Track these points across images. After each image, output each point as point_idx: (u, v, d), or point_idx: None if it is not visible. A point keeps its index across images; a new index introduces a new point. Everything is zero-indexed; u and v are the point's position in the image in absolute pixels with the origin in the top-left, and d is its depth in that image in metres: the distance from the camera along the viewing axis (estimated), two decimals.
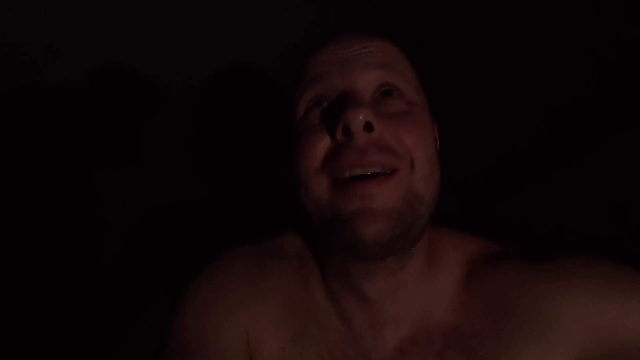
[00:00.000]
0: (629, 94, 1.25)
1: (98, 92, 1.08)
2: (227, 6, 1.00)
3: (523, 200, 1.41)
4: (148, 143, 1.21)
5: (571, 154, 1.30)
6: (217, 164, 1.30)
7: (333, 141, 0.41)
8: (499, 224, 1.46)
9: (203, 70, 1.09)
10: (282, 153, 0.53)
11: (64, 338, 1.16)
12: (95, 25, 0.98)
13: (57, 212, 1.22)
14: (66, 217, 1.23)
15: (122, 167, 1.23)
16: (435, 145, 0.46)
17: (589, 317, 0.39)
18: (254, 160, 1.28)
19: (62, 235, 1.23)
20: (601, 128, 1.24)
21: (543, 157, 1.36)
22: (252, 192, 1.29)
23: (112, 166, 1.23)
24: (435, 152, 0.45)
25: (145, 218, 1.28)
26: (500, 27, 1.10)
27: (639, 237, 1.06)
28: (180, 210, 1.28)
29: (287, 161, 0.48)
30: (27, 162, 1.17)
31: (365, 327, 0.46)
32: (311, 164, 0.41)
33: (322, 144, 0.41)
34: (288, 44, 0.94)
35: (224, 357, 0.45)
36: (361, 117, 0.38)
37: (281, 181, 1.28)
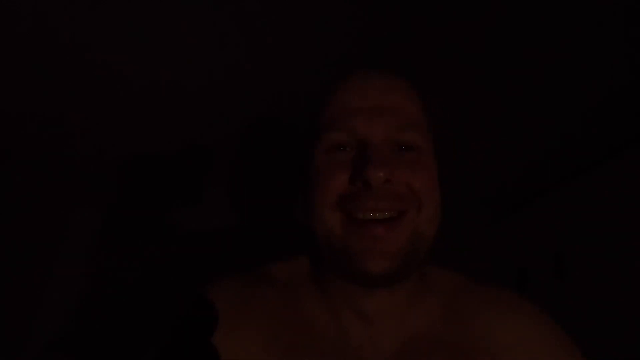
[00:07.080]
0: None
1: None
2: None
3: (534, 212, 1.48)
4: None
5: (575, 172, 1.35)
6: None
7: (351, 184, 0.46)
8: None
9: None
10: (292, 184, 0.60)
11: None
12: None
13: None
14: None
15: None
16: (440, 187, 0.50)
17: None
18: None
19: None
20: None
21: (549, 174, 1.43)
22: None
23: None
24: (439, 193, 0.49)
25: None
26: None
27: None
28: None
29: (300, 191, 0.53)
30: None
31: (365, 339, 0.50)
32: (329, 199, 0.46)
33: (341, 184, 0.46)
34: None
35: None
36: (382, 174, 0.43)
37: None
